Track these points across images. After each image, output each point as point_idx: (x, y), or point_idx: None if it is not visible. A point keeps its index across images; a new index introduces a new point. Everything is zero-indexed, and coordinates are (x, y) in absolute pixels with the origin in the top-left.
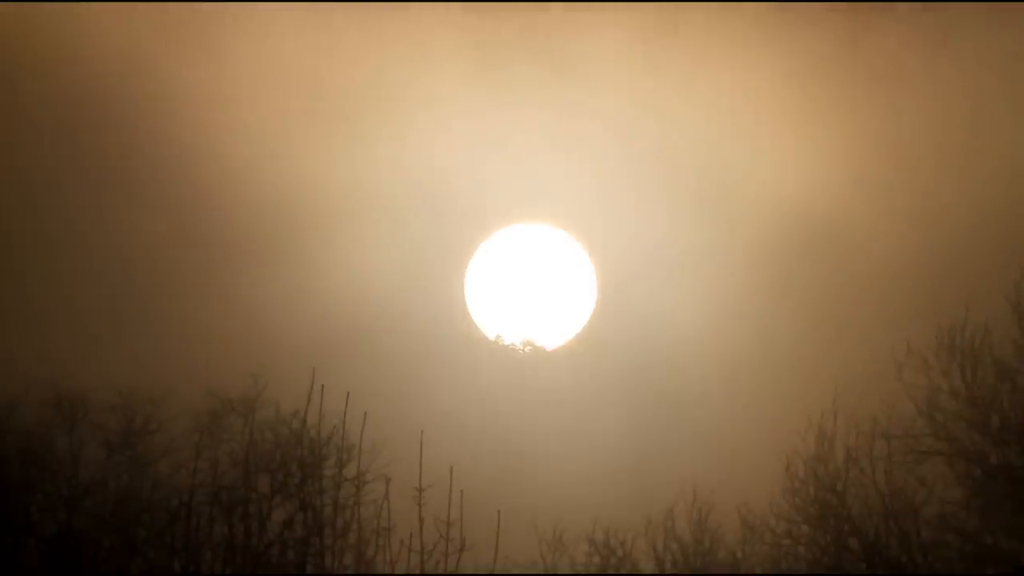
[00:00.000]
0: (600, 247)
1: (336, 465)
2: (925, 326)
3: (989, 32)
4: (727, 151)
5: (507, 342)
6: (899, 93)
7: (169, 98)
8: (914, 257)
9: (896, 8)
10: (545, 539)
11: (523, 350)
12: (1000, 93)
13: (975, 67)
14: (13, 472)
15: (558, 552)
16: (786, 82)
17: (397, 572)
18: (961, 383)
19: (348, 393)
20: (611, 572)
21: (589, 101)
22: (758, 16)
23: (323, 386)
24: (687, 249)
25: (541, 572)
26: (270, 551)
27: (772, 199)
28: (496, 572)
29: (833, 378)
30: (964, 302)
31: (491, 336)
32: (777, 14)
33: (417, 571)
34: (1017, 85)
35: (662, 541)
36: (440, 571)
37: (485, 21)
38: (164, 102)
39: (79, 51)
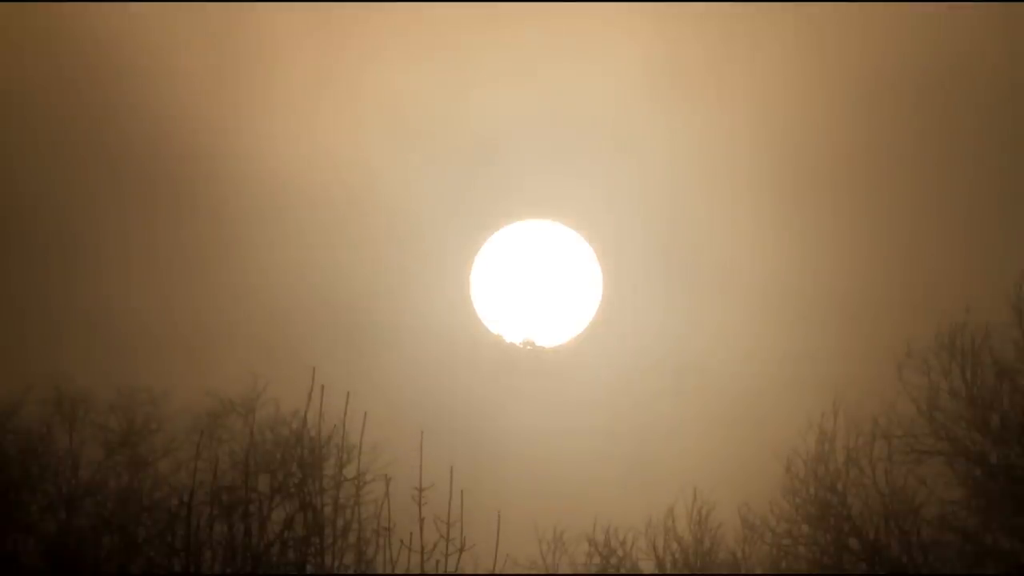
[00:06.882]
0: (605, 245)
1: (336, 465)
2: (925, 326)
3: None
4: (734, 153)
5: (508, 341)
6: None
7: (166, 97)
8: (914, 256)
9: None
10: (545, 539)
11: (524, 348)
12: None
13: None
14: (13, 472)
15: (558, 552)
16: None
17: (397, 572)
18: (961, 383)
19: (348, 393)
20: (611, 572)
21: (596, 100)
22: (772, 17)
23: (323, 386)
24: (691, 252)
25: (541, 572)
26: (270, 551)
27: (774, 202)
28: (496, 572)
29: (833, 378)
30: (964, 302)
31: (493, 335)
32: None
33: (417, 571)
34: None
35: (662, 541)
36: (440, 571)
37: (492, 21)
38: (161, 102)
39: (64, 48)
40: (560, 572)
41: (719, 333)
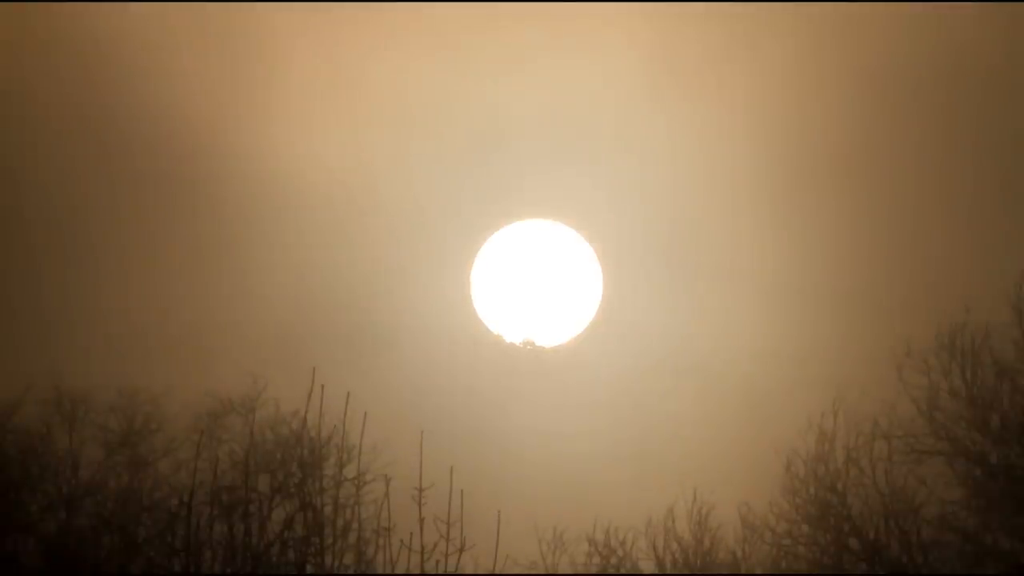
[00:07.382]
0: (606, 245)
1: (336, 465)
2: (925, 326)
3: None
4: (734, 152)
5: (508, 341)
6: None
7: (166, 97)
8: (914, 256)
9: None
10: (545, 539)
11: (524, 348)
12: None
13: None
14: (13, 472)
15: (558, 552)
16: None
17: (397, 572)
18: (961, 383)
19: (348, 393)
20: (611, 572)
21: (597, 99)
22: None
23: (323, 386)
24: (692, 251)
25: (541, 572)
26: (270, 551)
27: (774, 202)
28: (496, 572)
29: (833, 378)
30: (964, 302)
31: (493, 334)
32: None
33: (417, 571)
34: None
35: (662, 541)
36: (440, 571)
37: (492, 20)
38: (161, 102)
39: (64, 48)
40: (560, 572)
41: (719, 333)
